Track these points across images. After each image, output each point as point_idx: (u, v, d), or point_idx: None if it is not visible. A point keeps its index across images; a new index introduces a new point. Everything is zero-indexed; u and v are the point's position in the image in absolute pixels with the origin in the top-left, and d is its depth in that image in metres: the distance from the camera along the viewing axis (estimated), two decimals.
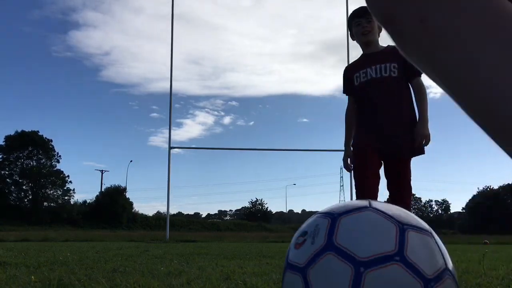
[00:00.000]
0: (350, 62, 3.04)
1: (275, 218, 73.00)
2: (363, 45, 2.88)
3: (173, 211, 62.19)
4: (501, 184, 56.35)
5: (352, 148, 2.86)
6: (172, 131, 12.38)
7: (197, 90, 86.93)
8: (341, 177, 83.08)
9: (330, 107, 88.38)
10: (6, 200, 41.18)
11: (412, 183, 2.69)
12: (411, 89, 2.75)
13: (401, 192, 2.70)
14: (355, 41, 2.89)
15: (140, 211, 50.24)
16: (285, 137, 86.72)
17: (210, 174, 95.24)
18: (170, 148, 12.03)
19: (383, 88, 2.73)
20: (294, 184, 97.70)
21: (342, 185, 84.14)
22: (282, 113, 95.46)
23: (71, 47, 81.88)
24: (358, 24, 2.83)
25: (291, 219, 78.33)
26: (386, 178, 2.75)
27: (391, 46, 2.76)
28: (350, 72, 2.92)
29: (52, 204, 43.22)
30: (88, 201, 45.62)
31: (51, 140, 44.78)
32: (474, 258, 4.56)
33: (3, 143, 43.15)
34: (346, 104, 2.98)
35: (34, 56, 76.58)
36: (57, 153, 45.06)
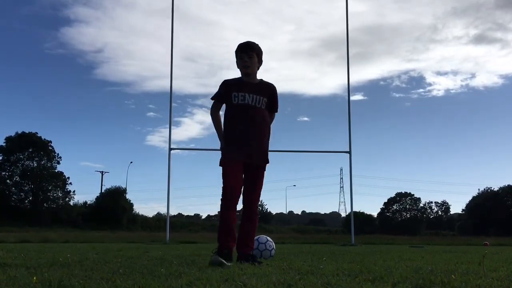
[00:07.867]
0: (230, 78, 3.74)
1: (275, 219, 72.77)
2: (243, 74, 3.67)
3: (173, 212, 62.08)
4: (501, 186, 56.25)
5: (225, 156, 3.59)
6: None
7: (194, 88, 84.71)
8: (341, 178, 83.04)
9: (330, 106, 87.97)
10: (6, 201, 41.15)
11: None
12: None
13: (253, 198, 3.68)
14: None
15: (140, 213, 50.06)
16: (285, 137, 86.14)
17: (210, 175, 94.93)
18: (170, 149, 12.03)
19: (256, 115, 3.62)
20: (294, 185, 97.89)
21: (342, 186, 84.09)
22: (282, 112, 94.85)
23: (64, 44, 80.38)
24: (241, 58, 3.59)
25: (291, 221, 78.22)
26: (245, 184, 3.63)
27: (264, 82, 3.76)
28: (228, 88, 3.64)
29: (52, 205, 43.19)
30: (88, 202, 45.68)
31: (51, 142, 44.82)
32: (474, 259, 4.55)
33: (3, 144, 43.19)
34: (213, 106, 3.74)
35: (26, 53, 74.58)
36: (57, 154, 45.11)
